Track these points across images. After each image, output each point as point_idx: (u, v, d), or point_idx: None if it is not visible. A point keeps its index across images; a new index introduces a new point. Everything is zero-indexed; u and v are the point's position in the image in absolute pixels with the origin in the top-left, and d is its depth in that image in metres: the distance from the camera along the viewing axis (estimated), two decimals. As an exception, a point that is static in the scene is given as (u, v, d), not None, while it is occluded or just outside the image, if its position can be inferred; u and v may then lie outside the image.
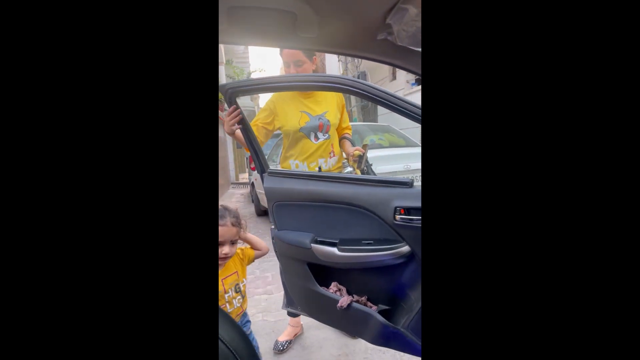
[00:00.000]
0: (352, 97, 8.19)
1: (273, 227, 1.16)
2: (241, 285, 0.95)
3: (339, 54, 1.07)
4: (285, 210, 1.13)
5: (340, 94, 1.46)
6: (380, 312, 1.02)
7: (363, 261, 0.98)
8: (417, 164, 2.79)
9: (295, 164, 1.37)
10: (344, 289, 1.09)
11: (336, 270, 1.10)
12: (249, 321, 1.00)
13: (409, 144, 3.48)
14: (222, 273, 0.92)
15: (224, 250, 0.89)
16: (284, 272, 1.24)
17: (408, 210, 0.90)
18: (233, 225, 0.90)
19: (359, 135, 3.64)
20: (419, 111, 0.84)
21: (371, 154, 3.09)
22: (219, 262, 0.91)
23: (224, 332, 0.61)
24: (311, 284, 1.11)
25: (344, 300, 1.04)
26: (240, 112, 1.10)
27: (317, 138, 1.37)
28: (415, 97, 6.53)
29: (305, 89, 1.29)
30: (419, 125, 0.79)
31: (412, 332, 0.95)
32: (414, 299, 0.97)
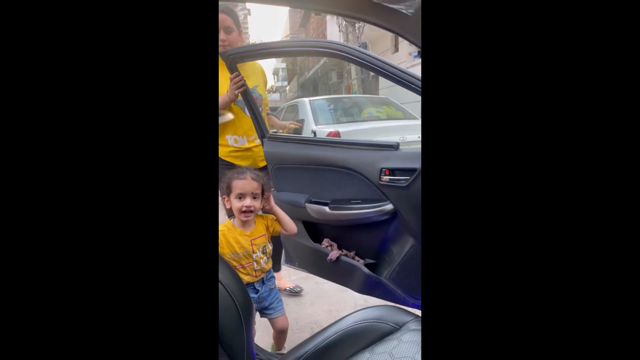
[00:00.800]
0: (353, 70, 8.06)
1: (273, 189, 1.24)
2: (266, 248, 1.01)
3: (320, 11, 1.06)
4: (283, 172, 1.20)
5: (263, 72, 1.46)
6: (367, 265, 1.12)
7: (351, 218, 1.07)
8: (414, 136, 2.83)
9: (234, 139, 1.33)
10: (334, 245, 1.19)
11: (328, 227, 1.19)
12: (273, 277, 1.07)
13: (407, 117, 3.49)
14: (252, 234, 0.98)
15: (245, 202, 0.93)
16: None
17: (392, 171, 0.97)
18: (253, 179, 0.94)
19: (358, 108, 3.64)
20: (418, 82, 0.88)
21: (368, 125, 3.12)
22: (243, 217, 0.96)
23: (223, 276, 0.69)
24: (305, 240, 1.20)
25: (333, 254, 1.14)
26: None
27: None
28: (417, 70, 6.42)
29: (305, 55, 1.32)
30: (419, 100, 0.83)
31: (392, 282, 1.05)
32: (396, 253, 1.07)
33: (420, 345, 0.61)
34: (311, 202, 1.16)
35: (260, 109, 1.37)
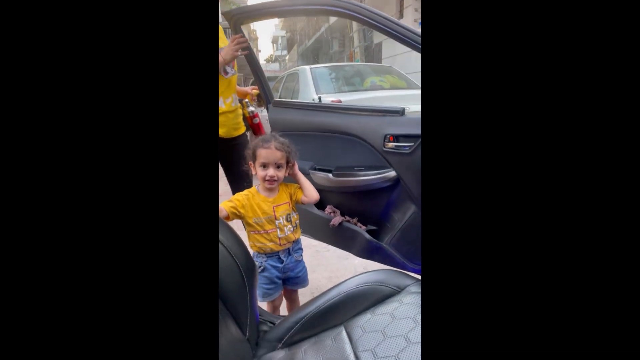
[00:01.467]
0: (355, 38, 7.78)
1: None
2: (291, 216, 1.00)
3: None
4: (288, 140, 1.18)
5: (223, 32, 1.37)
6: (369, 232, 1.13)
7: (354, 185, 1.06)
8: (417, 106, 2.77)
9: None
10: (337, 212, 1.19)
11: (332, 194, 1.20)
12: (300, 249, 1.06)
13: (410, 86, 3.40)
14: (274, 200, 0.98)
15: (268, 172, 0.93)
16: None
17: (397, 138, 0.95)
18: (277, 149, 0.93)
19: (360, 77, 3.54)
20: (419, 39, 0.84)
21: (370, 94, 3.05)
22: (267, 185, 0.96)
23: (225, 239, 0.69)
24: (309, 206, 1.21)
25: (336, 219, 1.15)
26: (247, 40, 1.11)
27: (226, 72, 1.27)
28: (421, 38, 6.22)
29: (312, 14, 1.26)
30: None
31: (393, 248, 1.07)
32: (397, 219, 1.07)
33: (421, 306, 0.62)
34: (315, 169, 1.15)
35: (235, 70, 1.31)
